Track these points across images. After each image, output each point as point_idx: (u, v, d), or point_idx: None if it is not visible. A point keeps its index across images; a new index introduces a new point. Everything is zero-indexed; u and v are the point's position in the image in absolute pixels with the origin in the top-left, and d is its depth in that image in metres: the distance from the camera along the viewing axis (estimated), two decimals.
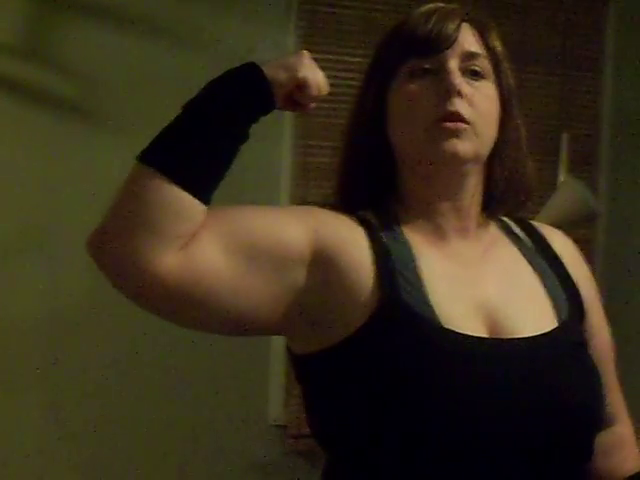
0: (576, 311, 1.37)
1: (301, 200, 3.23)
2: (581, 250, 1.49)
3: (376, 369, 1.22)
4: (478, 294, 1.30)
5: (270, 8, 3.30)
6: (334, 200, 1.40)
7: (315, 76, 1.27)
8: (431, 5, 1.37)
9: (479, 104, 1.31)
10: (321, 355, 1.26)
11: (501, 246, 1.39)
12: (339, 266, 1.26)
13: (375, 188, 1.38)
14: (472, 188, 1.35)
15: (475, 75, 1.33)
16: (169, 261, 1.16)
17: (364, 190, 1.38)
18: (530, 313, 1.32)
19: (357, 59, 3.16)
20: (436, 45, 1.31)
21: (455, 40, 1.32)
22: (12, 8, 3.08)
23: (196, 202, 1.18)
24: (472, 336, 1.25)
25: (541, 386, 1.24)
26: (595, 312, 1.44)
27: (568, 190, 2.78)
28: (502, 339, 1.27)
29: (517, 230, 1.43)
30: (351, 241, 1.28)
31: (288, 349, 1.34)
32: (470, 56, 1.33)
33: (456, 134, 1.28)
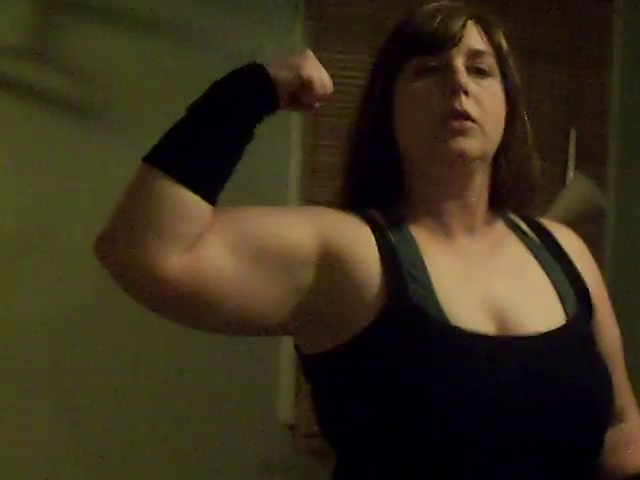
0: (584, 307, 1.37)
1: (309, 200, 3.22)
2: (589, 247, 1.49)
3: (385, 368, 1.22)
4: (486, 291, 1.30)
5: (277, 8, 3.29)
6: (341, 200, 1.40)
7: (320, 75, 1.28)
8: (436, 3, 1.37)
9: (485, 102, 1.31)
10: (329, 354, 1.27)
11: (508, 243, 1.39)
12: (346, 266, 1.26)
13: (381, 187, 1.38)
14: (479, 186, 1.35)
15: (481, 73, 1.33)
16: (175, 262, 1.16)
17: (370, 189, 1.38)
18: (538, 310, 1.32)
19: (365, 58, 3.15)
20: (442, 43, 1.31)
21: (461, 38, 1.32)
22: (15, 9, 3.09)
23: (202, 203, 1.18)
24: (481, 334, 1.25)
25: (550, 383, 1.25)
26: (603, 308, 1.44)
27: (576, 187, 2.78)
28: (511, 337, 1.27)
29: (524, 227, 1.43)
30: (358, 241, 1.28)
31: (297, 348, 1.34)
32: (476, 54, 1.33)
33: (463, 132, 1.29)
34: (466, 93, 1.29)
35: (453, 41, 1.31)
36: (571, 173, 3.00)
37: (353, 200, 1.38)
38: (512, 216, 1.44)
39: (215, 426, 3.22)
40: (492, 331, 1.27)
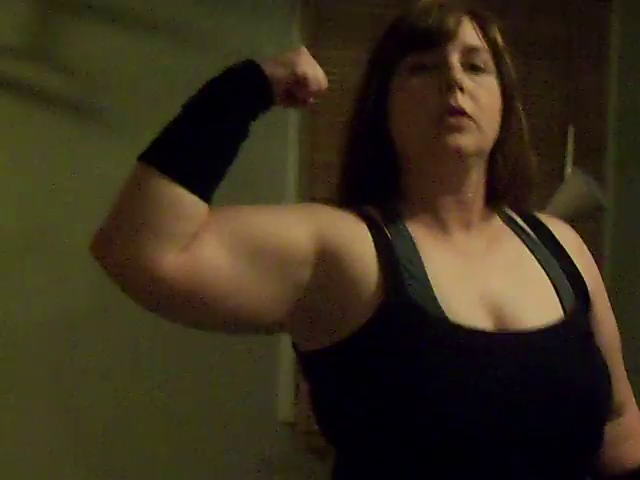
0: (582, 302, 1.36)
1: (307, 197, 3.23)
2: (588, 244, 1.49)
3: (382, 365, 1.22)
4: (483, 287, 1.30)
5: (274, 6, 3.30)
6: (337, 197, 1.40)
7: (314, 71, 1.28)
8: None
9: (481, 98, 1.31)
10: (326, 351, 1.27)
11: (505, 239, 1.39)
12: (343, 264, 1.26)
13: (378, 184, 1.38)
14: (475, 182, 1.35)
15: (476, 69, 1.32)
16: (171, 261, 1.15)
17: (367, 186, 1.38)
18: (535, 305, 1.31)
19: (363, 56, 3.15)
20: (437, 39, 1.31)
21: (456, 34, 1.31)
22: (15, 8, 3.09)
23: (197, 201, 1.17)
24: (479, 330, 1.25)
25: (548, 378, 1.24)
26: (601, 302, 1.43)
27: (575, 183, 2.78)
28: (509, 332, 1.27)
29: (521, 222, 1.43)
30: (355, 238, 1.28)
31: (294, 346, 1.34)
32: (471, 50, 1.32)
33: (459, 129, 1.28)
34: (461, 89, 1.29)
35: (448, 37, 1.31)
36: (569, 169, 3.00)
37: (350, 197, 1.38)
38: (508, 211, 1.44)
39: (215, 425, 3.22)
40: (490, 327, 1.27)
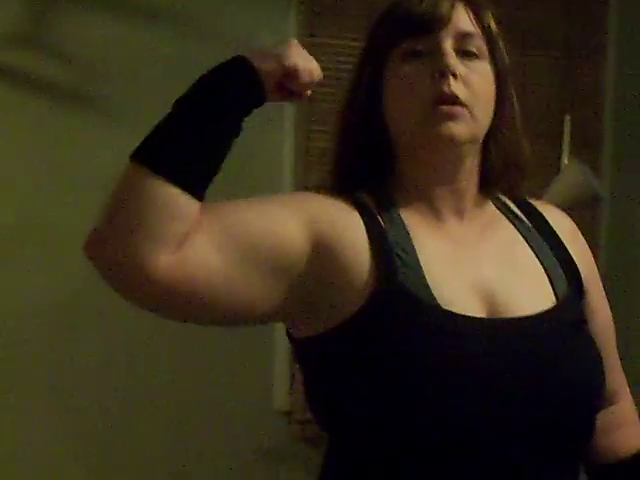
0: (575, 289, 1.36)
1: (303, 185, 3.22)
2: (584, 233, 1.48)
3: (374, 352, 1.22)
4: (475, 274, 1.30)
5: None
6: (331, 184, 1.40)
7: (305, 63, 1.26)
8: None
9: (474, 85, 1.30)
10: (319, 338, 1.27)
11: (499, 225, 1.39)
12: (335, 252, 1.26)
13: (372, 171, 1.38)
14: (468, 170, 1.35)
15: (470, 55, 1.32)
16: (164, 261, 1.15)
17: (361, 173, 1.38)
18: (528, 292, 1.32)
19: (359, 44, 3.14)
20: (430, 25, 1.30)
21: (449, 20, 1.31)
22: None
23: (191, 200, 1.16)
24: (471, 317, 1.25)
25: (539, 365, 1.25)
26: (595, 290, 1.43)
27: (571, 173, 2.77)
28: (500, 319, 1.27)
29: (516, 209, 1.43)
30: (347, 227, 1.28)
31: (288, 333, 1.34)
32: (465, 36, 1.32)
33: (452, 117, 1.28)
34: (454, 75, 1.28)
35: (441, 23, 1.30)
36: (566, 159, 3.00)
37: (343, 184, 1.38)
38: (503, 198, 1.44)
39: (211, 414, 3.22)
40: (482, 314, 1.27)
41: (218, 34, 3.13)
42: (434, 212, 1.34)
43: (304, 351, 1.32)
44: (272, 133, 3.17)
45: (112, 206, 1.16)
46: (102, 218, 1.17)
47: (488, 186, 1.39)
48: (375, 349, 1.22)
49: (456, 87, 1.28)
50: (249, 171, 2.92)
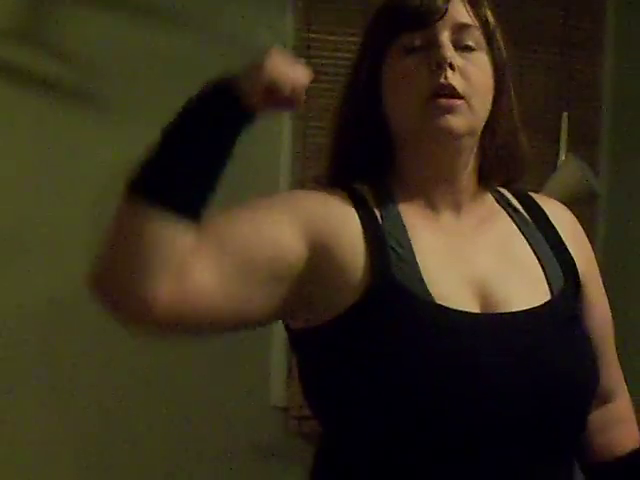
0: (571, 285, 1.36)
1: (301, 181, 3.23)
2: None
3: (367, 346, 1.23)
4: (471, 268, 1.31)
5: None
6: (329, 175, 1.40)
7: (285, 76, 1.20)
8: None
9: (472, 76, 1.30)
10: (315, 330, 1.28)
11: (496, 218, 1.39)
12: (333, 252, 1.26)
13: (371, 163, 1.38)
14: (466, 162, 1.35)
15: (467, 47, 1.32)
16: (165, 292, 1.15)
17: (359, 164, 1.38)
18: (523, 287, 1.32)
19: (356, 39, 3.14)
20: (426, 18, 1.30)
21: (446, 11, 1.31)
22: None
23: (189, 228, 1.16)
24: (464, 312, 1.25)
25: (531, 360, 1.25)
26: (594, 286, 1.43)
27: (569, 170, 2.77)
28: (494, 314, 1.27)
29: (515, 202, 1.43)
30: (342, 224, 1.28)
31: (284, 322, 1.35)
32: (462, 27, 1.32)
33: (450, 110, 1.28)
34: (452, 67, 1.28)
35: (438, 15, 1.30)
36: (563, 156, 3.00)
37: (341, 176, 1.38)
38: (503, 191, 1.44)
39: (208, 410, 3.22)
40: (476, 309, 1.27)
41: (216, 32, 3.13)
42: (431, 205, 1.35)
43: (300, 341, 1.33)
44: (269, 129, 3.17)
45: (111, 242, 1.17)
46: (102, 256, 1.17)
47: (486, 179, 1.39)
48: (368, 344, 1.23)
49: (453, 79, 1.28)
50: (246, 167, 2.90)
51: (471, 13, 1.33)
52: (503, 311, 1.28)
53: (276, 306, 1.25)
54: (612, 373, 1.45)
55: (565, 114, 3.12)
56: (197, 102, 1.20)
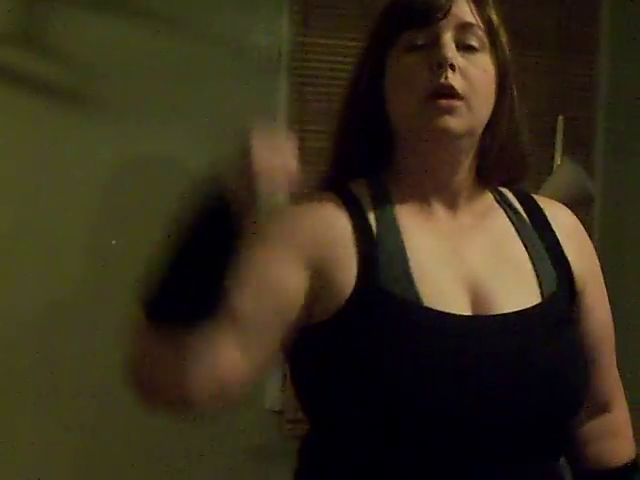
0: (565, 288, 1.36)
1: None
2: None
3: (350, 350, 1.24)
4: (462, 268, 1.31)
5: None
6: (327, 173, 1.40)
7: (273, 170, 1.11)
8: None
9: (473, 77, 1.30)
10: (302, 332, 1.29)
11: (493, 217, 1.39)
12: (328, 267, 1.28)
13: (371, 160, 1.38)
14: (464, 162, 1.35)
15: (470, 47, 1.32)
16: (201, 383, 1.19)
17: (360, 160, 1.38)
18: (512, 288, 1.32)
19: (353, 43, 3.14)
20: (430, 16, 1.30)
21: (449, 10, 1.31)
22: None
23: (207, 332, 1.18)
24: (452, 314, 1.26)
25: (519, 362, 1.25)
26: (594, 290, 1.43)
27: (564, 173, 2.77)
28: (483, 315, 1.28)
29: (515, 203, 1.43)
30: (336, 239, 1.29)
31: None
32: (465, 27, 1.32)
33: (449, 111, 1.28)
34: (452, 67, 1.28)
35: (441, 13, 1.30)
36: (559, 159, 3.00)
37: (341, 175, 1.38)
38: (504, 191, 1.43)
39: (202, 413, 3.21)
40: (467, 309, 1.27)
41: (212, 35, 3.12)
42: (427, 204, 1.35)
43: (289, 343, 1.33)
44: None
45: (138, 357, 1.22)
46: (130, 362, 1.24)
47: (486, 178, 1.39)
48: (351, 347, 1.24)
49: (454, 79, 1.28)
50: None
51: (475, 13, 1.33)
52: (492, 313, 1.28)
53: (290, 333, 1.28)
54: (611, 383, 1.45)
55: (561, 117, 3.13)
56: (195, 227, 1.16)
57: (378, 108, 1.36)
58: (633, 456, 1.46)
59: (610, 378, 1.45)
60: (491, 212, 1.40)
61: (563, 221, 1.44)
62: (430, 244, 1.31)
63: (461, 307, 1.27)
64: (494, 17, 1.37)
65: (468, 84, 1.30)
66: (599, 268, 1.46)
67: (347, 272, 1.27)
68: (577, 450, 1.41)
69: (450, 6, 1.31)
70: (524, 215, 1.41)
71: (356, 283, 1.26)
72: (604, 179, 3.54)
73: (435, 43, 1.30)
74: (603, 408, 1.44)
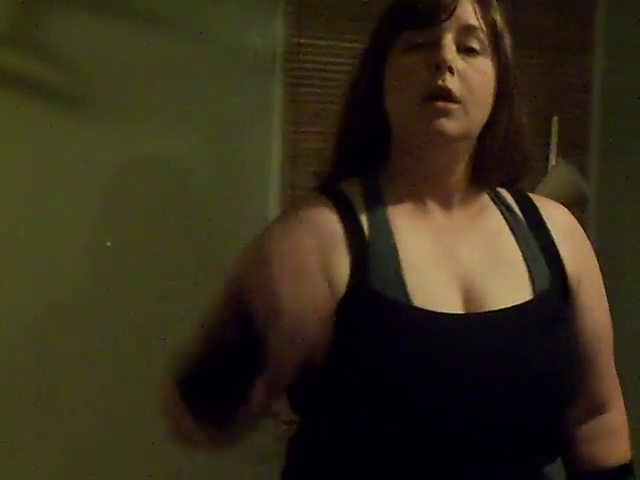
0: (558, 287, 1.36)
1: (291, 185, 3.22)
2: None
3: (341, 351, 1.23)
4: (457, 266, 1.31)
5: None
6: (327, 166, 1.40)
7: (262, 308, 1.12)
8: None
9: (472, 81, 1.30)
10: None
11: (487, 216, 1.39)
12: (324, 274, 1.24)
13: (369, 158, 1.38)
14: (461, 164, 1.35)
15: (471, 50, 1.31)
16: (238, 434, 1.28)
17: (358, 161, 1.38)
18: (504, 285, 1.32)
19: (348, 44, 3.15)
20: (432, 17, 1.30)
21: (452, 12, 1.30)
22: None
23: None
24: (443, 313, 1.26)
25: (509, 360, 1.25)
26: (589, 289, 1.42)
27: (559, 174, 2.78)
28: (474, 314, 1.28)
29: (512, 202, 1.43)
30: (329, 246, 1.28)
31: None
32: (468, 29, 1.31)
33: (445, 113, 1.28)
34: (451, 70, 1.28)
35: (444, 15, 1.29)
36: (553, 160, 3.00)
37: (340, 169, 1.39)
38: (500, 190, 1.43)
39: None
40: (459, 307, 1.27)
41: (208, 35, 3.12)
42: (422, 204, 1.35)
43: None
44: (260, 134, 3.16)
45: (171, 424, 1.34)
46: (164, 420, 1.29)
47: (483, 179, 1.39)
48: (347, 349, 1.23)
49: (451, 82, 1.27)
50: (237, 172, 2.91)
51: (479, 15, 1.32)
52: (483, 310, 1.28)
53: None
54: (609, 383, 1.45)
55: (555, 118, 3.12)
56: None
57: (377, 108, 1.35)
58: (628, 458, 1.45)
59: (607, 379, 1.45)
60: (486, 211, 1.40)
61: (559, 220, 1.44)
62: (424, 244, 1.31)
63: (453, 306, 1.28)
64: (498, 19, 1.35)
65: (466, 87, 1.29)
66: (597, 269, 1.46)
67: (340, 274, 1.27)
68: (572, 450, 1.41)
69: (455, 7, 1.30)
70: (520, 214, 1.41)
71: (348, 285, 1.26)
72: (599, 179, 3.54)
73: (436, 44, 1.29)
74: (600, 409, 1.43)
